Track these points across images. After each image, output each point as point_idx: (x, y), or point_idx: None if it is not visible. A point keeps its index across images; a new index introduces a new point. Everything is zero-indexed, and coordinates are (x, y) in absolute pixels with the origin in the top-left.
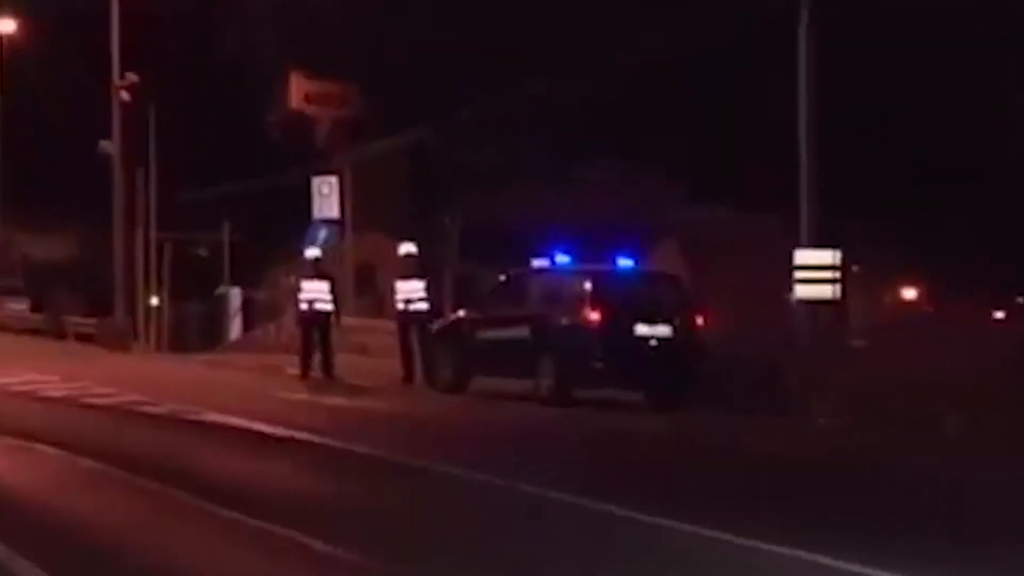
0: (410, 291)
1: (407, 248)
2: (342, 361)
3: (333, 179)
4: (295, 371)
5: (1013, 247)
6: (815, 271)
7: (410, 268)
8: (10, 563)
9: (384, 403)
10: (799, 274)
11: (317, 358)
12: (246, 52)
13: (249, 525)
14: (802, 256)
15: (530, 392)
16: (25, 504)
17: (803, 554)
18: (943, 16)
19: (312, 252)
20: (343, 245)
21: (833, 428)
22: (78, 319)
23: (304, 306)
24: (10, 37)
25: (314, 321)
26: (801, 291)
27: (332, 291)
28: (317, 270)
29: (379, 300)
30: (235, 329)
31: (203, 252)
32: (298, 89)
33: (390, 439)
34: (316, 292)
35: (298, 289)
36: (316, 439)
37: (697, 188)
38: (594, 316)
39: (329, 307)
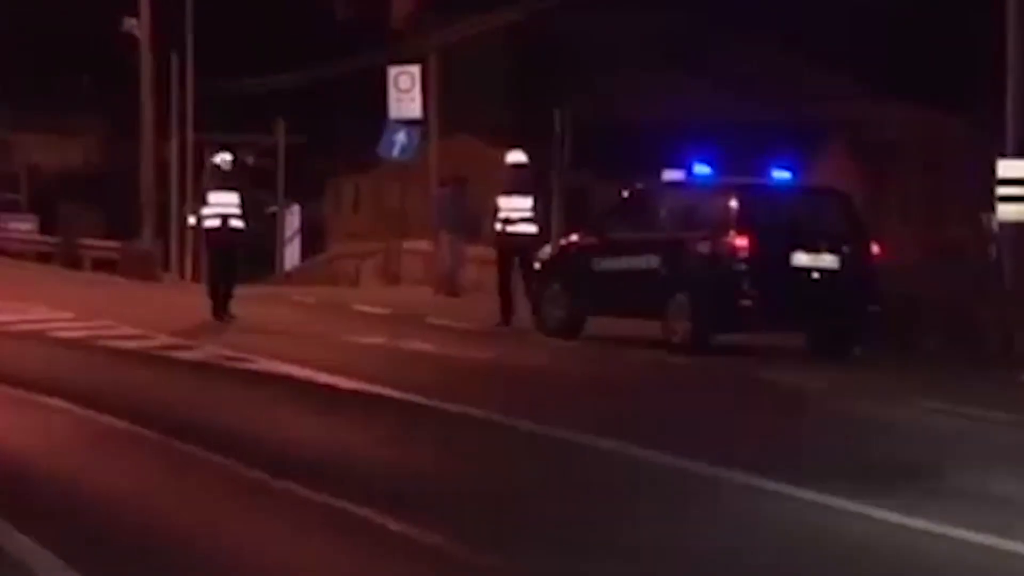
0: (513, 209)
1: (516, 157)
2: (425, 296)
3: (415, 69)
4: (364, 307)
5: None
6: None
7: (518, 182)
8: (8, 542)
9: (478, 350)
10: (1003, 190)
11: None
12: None
13: (306, 499)
14: (1007, 167)
15: (660, 336)
16: (29, 471)
17: None
18: None
19: (223, 157)
20: (426, 152)
21: None
22: (96, 242)
23: (216, 222)
24: None
25: (227, 242)
26: (1005, 211)
27: (242, 205)
28: (226, 179)
29: (472, 221)
30: (292, 256)
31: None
32: None
33: (486, 395)
34: (227, 206)
35: (203, 202)
36: (393, 394)
37: (871, 80)
38: (741, 242)
39: (241, 224)
